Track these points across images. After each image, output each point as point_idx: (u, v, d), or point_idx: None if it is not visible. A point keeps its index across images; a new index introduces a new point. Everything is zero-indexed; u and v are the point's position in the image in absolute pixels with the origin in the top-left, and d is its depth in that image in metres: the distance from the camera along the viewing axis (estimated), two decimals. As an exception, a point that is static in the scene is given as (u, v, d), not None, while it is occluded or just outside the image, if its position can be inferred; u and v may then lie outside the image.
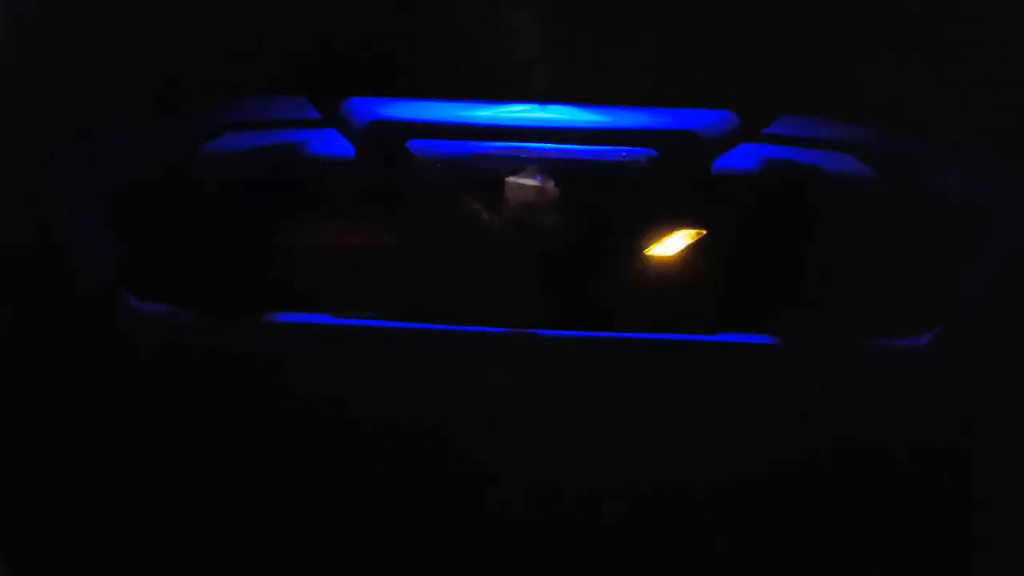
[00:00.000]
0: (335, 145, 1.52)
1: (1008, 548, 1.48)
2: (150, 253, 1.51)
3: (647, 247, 1.48)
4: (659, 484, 1.46)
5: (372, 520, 1.52)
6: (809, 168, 1.51)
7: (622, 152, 1.48)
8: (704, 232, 1.48)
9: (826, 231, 1.48)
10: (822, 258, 1.48)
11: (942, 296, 1.47)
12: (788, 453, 1.47)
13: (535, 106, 1.50)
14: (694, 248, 1.48)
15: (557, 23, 1.46)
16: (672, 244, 1.48)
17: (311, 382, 1.50)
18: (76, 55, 1.39)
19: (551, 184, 1.46)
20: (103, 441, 1.52)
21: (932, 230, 1.47)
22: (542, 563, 1.50)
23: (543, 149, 1.49)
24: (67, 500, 1.53)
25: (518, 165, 1.47)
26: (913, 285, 1.48)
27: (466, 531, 1.50)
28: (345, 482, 1.50)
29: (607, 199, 1.48)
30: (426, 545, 1.50)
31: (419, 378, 1.46)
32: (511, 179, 1.47)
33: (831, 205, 1.48)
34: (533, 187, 1.46)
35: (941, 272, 1.47)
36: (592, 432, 1.44)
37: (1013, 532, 1.48)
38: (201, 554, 1.53)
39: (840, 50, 1.51)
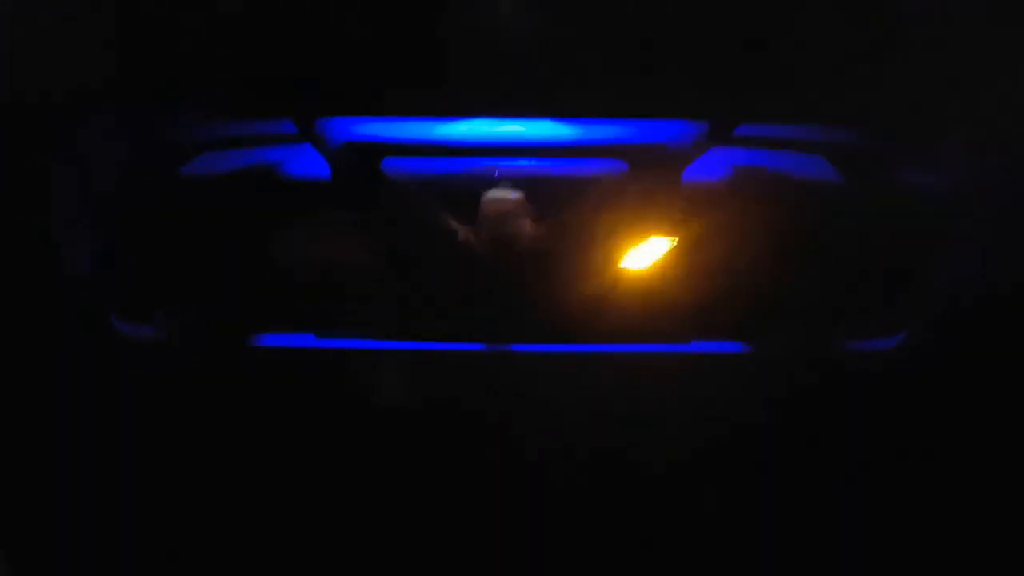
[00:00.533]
0: (311, 165, 1.54)
1: (983, 540, 1.52)
2: (135, 276, 1.53)
3: (619, 259, 1.50)
4: (639, 486, 1.49)
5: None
6: (777, 174, 1.53)
7: (593, 165, 1.51)
8: (675, 242, 1.50)
9: (795, 236, 1.50)
10: (792, 263, 1.50)
11: (911, 297, 1.49)
12: (761, 453, 1.50)
13: (507, 121, 1.52)
14: (666, 258, 1.50)
15: (528, 40, 1.48)
16: (644, 255, 1.50)
17: (293, 402, 1.52)
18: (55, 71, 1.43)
19: (523, 199, 1.49)
20: (95, 448, 1.55)
21: (900, 232, 1.50)
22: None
23: (515, 164, 1.51)
24: (63, 505, 1.57)
25: (491, 181, 1.49)
26: (882, 287, 1.51)
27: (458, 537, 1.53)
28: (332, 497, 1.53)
29: (579, 212, 1.50)
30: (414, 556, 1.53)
31: (399, 397, 1.49)
32: (485, 195, 1.49)
33: (800, 210, 1.50)
34: (506, 202, 1.49)
35: (910, 273, 1.50)
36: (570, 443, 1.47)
37: (989, 527, 1.51)
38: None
39: (809, 50, 1.54)
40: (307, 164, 1.54)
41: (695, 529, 1.50)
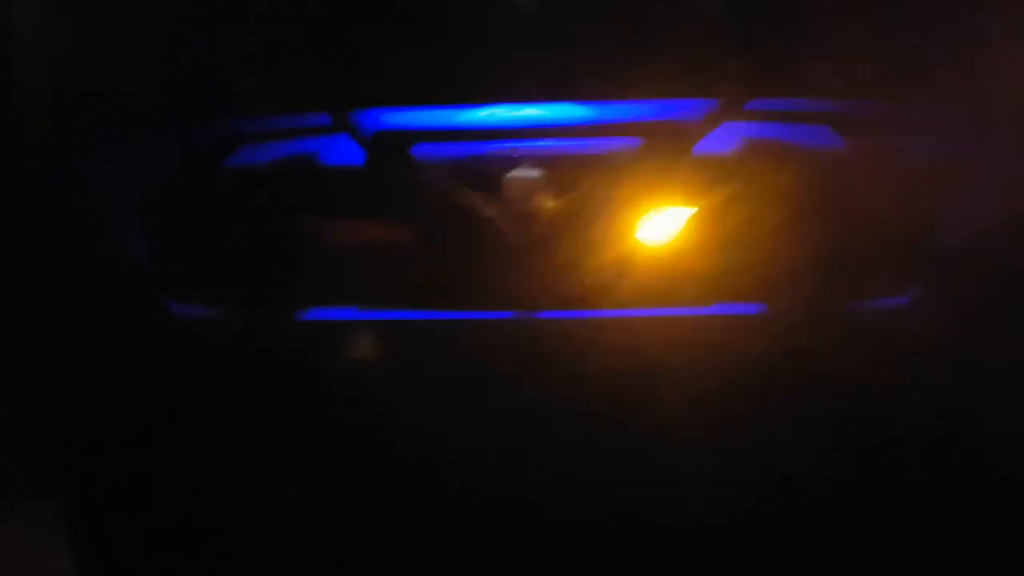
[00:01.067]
0: (345, 153, 1.65)
1: (996, 504, 1.59)
2: (186, 259, 1.66)
3: (638, 229, 1.59)
4: (658, 451, 1.58)
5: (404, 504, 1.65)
6: (785, 144, 1.61)
7: (609, 143, 1.60)
8: (690, 211, 1.59)
9: (805, 202, 1.58)
10: (803, 227, 1.58)
11: (920, 256, 1.57)
12: (780, 415, 1.58)
13: (527, 106, 1.63)
14: (682, 227, 1.59)
15: (540, 28, 1.58)
16: (661, 224, 1.59)
17: (339, 374, 1.63)
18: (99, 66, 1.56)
19: (545, 176, 1.58)
20: (144, 440, 1.67)
21: (906, 195, 1.58)
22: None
23: (536, 144, 1.61)
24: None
25: (514, 161, 1.59)
26: (891, 246, 1.58)
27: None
28: (372, 467, 1.63)
29: (598, 186, 1.59)
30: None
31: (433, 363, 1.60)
32: (508, 174, 1.59)
33: (808, 177, 1.59)
34: (528, 179, 1.58)
35: (917, 232, 1.57)
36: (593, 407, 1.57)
37: (1000, 486, 1.59)
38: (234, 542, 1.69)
39: (811, 23, 1.62)
40: (342, 152, 1.65)
41: (718, 483, 1.59)
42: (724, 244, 1.58)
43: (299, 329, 1.63)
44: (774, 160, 1.60)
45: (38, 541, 1.75)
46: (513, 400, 1.57)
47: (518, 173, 1.58)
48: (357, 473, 1.63)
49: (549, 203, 1.58)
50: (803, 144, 1.62)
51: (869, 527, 1.60)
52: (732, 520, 1.59)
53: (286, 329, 1.64)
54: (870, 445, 1.59)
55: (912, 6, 1.67)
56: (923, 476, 1.58)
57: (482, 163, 1.60)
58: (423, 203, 1.61)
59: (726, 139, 1.61)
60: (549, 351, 1.57)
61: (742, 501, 1.58)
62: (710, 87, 1.62)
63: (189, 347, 1.65)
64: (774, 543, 1.61)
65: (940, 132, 1.64)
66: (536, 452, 1.56)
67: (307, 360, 1.63)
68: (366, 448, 1.62)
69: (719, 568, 1.63)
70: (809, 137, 1.64)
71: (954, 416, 1.57)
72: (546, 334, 1.59)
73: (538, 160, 1.59)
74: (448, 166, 1.61)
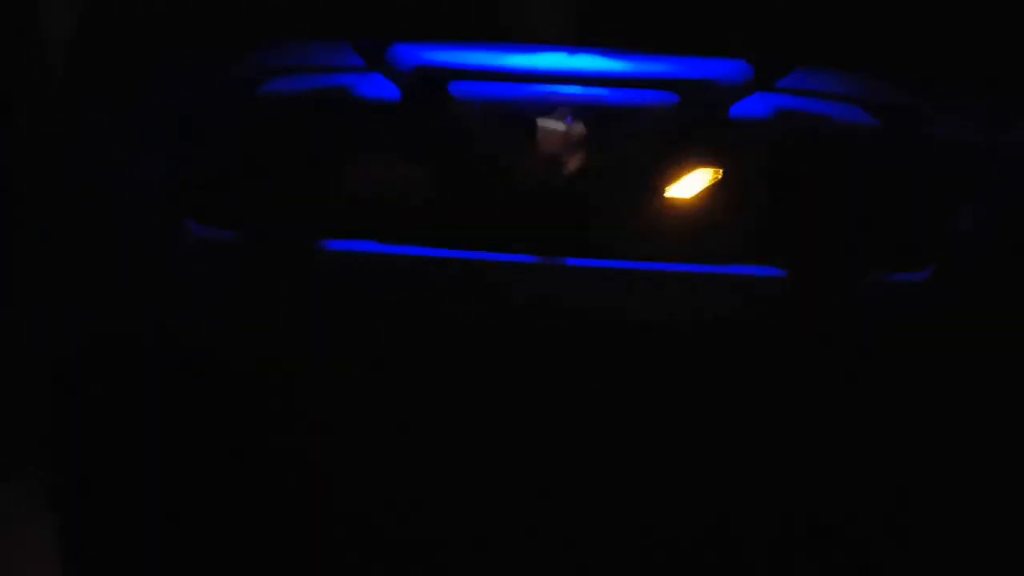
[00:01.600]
0: (381, 88, 1.65)
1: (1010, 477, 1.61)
2: (210, 182, 1.65)
3: (667, 184, 1.60)
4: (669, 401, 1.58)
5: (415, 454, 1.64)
6: (818, 116, 1.63)
7: (646, 96, 1.61)
8: (720, 171, 1.60)
9: (832, 173, 1.60)
10: (828, 197, 1.60)
11: (939, 232, 1.59)
12: (791, 381, 1.59)
13: (565, 53, 1.63)
14: (710, 186, 1.60)
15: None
16: (690, 182, 1.60)
17: (356, 307, 1.62)
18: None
19: (580, 125, 1.59)
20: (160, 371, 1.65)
21: (930, 171, 1.61)
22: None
23: (573, 93, 1.61)
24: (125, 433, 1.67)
25: (550, 107, 1.60)
26: (912, 222, 1.60)
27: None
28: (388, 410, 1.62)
29: (631, 139, 1.60)
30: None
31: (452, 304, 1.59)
32: (543, 120, 1.59)
33: (837, 149, 1.61)
34: (563, 128, 1.59)
35: (938, 209, 1.60)
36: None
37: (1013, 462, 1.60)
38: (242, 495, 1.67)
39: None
40: (378, 86, 1.65)
41: (732, 444, 1.59)
42: (749, 207, 1.60)
43: (317, 258, 1.62)
44: (805, 129, 1.62)
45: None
46: (529, 344, 1.57)
47: (553, 117, 1.59)
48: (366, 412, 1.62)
49: (581, 150, 1.59)
50: (835, 118, 1.64)
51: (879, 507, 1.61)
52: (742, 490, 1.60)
53: (303, 256, 1.62)
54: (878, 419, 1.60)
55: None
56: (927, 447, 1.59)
57: (518, 105, 1.61)
58: (455, 141, 1.61)
59: (762, 106, 1.63)
60: (568, 295, 1.58)
61: (752, 475, 1.60)
62: (750, 52, 1.63)
63: (206, 268, 1.64)
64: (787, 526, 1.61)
65: (973, 123, 1.66)
66: (550, 393, 1.56)
67: (323, 290, 1.62)
68: (378, 387, 1.62)
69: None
70: (842, 113, 1.66)
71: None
72: (567, 280, 1.59)
73: (573, 107, 1.59)
74: (484, 106, 1.61)
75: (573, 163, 1.58)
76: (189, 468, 1.63)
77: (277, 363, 1.61)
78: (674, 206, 1.60)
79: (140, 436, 1.63)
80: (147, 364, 1.61)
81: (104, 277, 1.64)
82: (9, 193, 1.71)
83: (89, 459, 1.66)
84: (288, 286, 1.62)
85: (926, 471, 1.58)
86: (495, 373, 1.58)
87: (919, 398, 1.57)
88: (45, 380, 1.67)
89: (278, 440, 1.63)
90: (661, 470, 1.59)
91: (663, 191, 1.60)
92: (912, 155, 1.63)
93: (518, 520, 1.60)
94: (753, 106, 1.62)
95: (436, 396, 1.60)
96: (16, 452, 1.75)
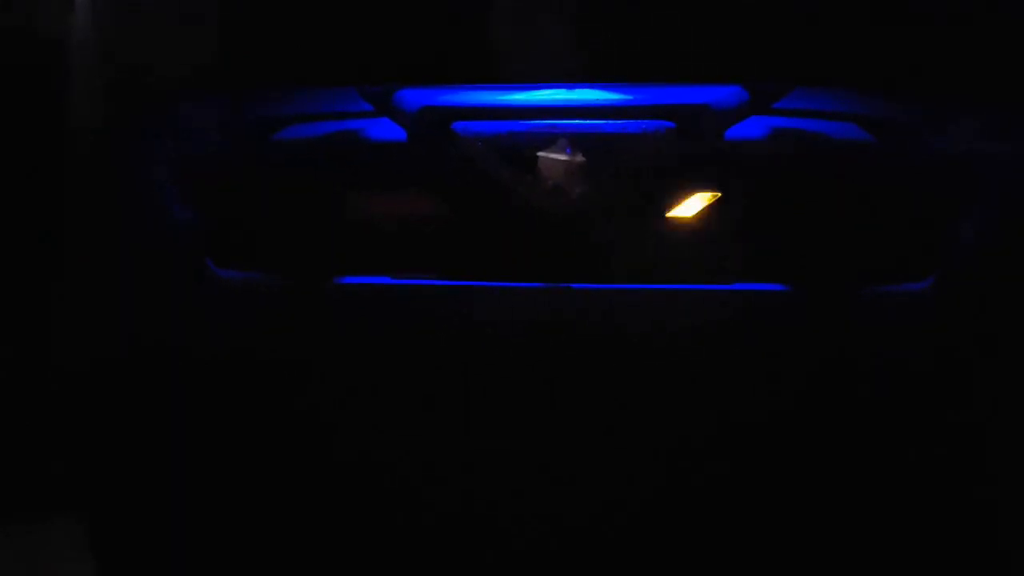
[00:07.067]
0: (388, 130, 1.73)
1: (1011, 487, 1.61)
2: (230, 225, 1.73)
3: (667, 208, 1.64)
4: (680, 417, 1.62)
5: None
6: (813, 134, 1.67)
7: (643, 125, 1.66)
8: (719, 193, 1.64)
9: (829, 188, 1.64)
10: (827, 212, 1.63)
11: (939, 243, 1.61)
12: (795, 394, 1.62)
13: (563, 88, 1.70)
14: (710, 208, 1.64)
15: (580, 13, 1.66)
16: (690, 204, 1.64)
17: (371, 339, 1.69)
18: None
19: (580, 155, 1.64)
20: (185, 406, 1.73)
21: (928, 185, 1.63)
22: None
23: (572, 125, 1.67)
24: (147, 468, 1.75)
25: (550, 140, 1.66)
26: (912, 233, 1.63)
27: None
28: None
29: (630, 166, 1.65)
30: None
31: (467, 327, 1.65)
32: (544, 152, 1.65)
33: (834, 166, 1.64)
34: (564, 158, 1.65)
35: (938, 221, 1.62)
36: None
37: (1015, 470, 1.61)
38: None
39: (839, 20, 1.69)
40: (386, 129, 1.73)
41: (739, 455, 1.62)
42: (750, 226, 1.64)
43: (334, 294, 1.69)
44: (801, 148, 1.66)
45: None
46: (540, 362, 1.62)
47: (554, 150, 1.64)
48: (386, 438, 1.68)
49: (582, 180, 1.64)
50: (830, 135, 1.68)
51: (886, 510, 1.62)
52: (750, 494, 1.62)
53: (321, 294, 1.69)
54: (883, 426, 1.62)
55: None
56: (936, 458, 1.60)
57: (519, 140, 1.67)
58: (461, 176, 1.68)
59: (757, 128, 1.67)
60: (575, 318, 1.63)
61: (757, 477, 1.62)
62: (744, 78, 1.68)
63: (227, 306, 1.71)
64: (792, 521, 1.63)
65: (968, 137, 1.68)
66: (562, 414, 1.61)
67: (340, 325, 1.69)
68: (395, 413, 1.67)
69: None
70: (838, 132, 1.69)
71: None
72: (573, 303, 1.64)
73: (573, 139, 1.65)
74: (487, 141, 1.68)
75: (575, 192, 1.64)
76: (213, 499, 1.70)
77: (299, 390, 1.68)
78: (675, 228, 1.64)
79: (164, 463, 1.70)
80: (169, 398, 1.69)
81: (127, 323, 1.73)
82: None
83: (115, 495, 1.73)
84: (306, 320, 1.69)
85: (930, 481, 1.59)
86: (508, 396, 1.63)
87: (922, 409, 1.58)
88: (77, 415, 1.75)
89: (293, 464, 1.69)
90: (672, 485, 1.62)
91: (663, 214, 1.64)
92: (909, 168, 1.66)
93: (524, 539, 1.64)
94: (749, 129, 1.67)
95: (451, 419, 1.65)
96: (55, 490, 1.82)
